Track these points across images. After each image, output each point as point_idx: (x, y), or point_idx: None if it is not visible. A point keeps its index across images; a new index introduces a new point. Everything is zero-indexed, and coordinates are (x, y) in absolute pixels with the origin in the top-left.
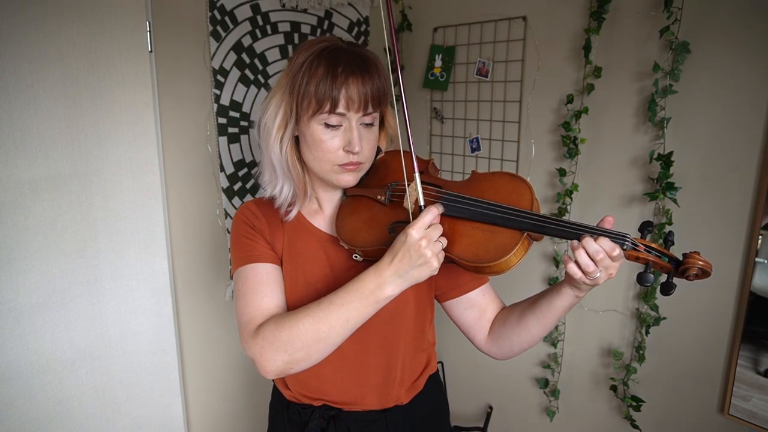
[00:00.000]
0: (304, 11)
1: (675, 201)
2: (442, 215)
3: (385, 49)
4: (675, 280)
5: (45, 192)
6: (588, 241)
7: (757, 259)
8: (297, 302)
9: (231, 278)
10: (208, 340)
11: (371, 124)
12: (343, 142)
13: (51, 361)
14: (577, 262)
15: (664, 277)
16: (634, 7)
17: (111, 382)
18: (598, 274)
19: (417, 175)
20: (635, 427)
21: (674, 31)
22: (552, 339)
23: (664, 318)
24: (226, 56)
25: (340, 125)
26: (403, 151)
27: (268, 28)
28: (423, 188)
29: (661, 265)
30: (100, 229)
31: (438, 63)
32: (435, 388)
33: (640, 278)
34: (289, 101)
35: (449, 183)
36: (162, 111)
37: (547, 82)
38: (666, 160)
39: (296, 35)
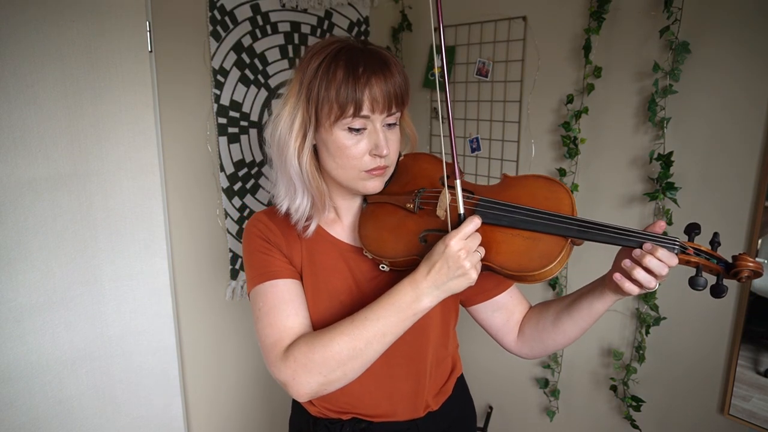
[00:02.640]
0: (304, 11)
1: (675, 201)
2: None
3: (385, 48)
4: (725, 281)
5: (45, 192)
6: (649, 258)
7: (757, 259)
8: (321, 316)
9: (248, 296)
10: (207, 340)
11: (394, 125)
12: (369, 146)
13: (51, 361)
14: (635, 280)
15: (713, 279)
16: (634, 7)
17: (111, 382)
18: (655, 284)
19: (458, 182)
20: (635, 427)
21: (674, 31)
22: None
23: (664, 318)
24: (226, 56)
25: (364, 128)
26: (444, 156)
27: (268, 28)
28: (452, 194)
29: (710, 268)
30: (100, 229)
31: (438, 63)
32: (463, 390)
33: (693, 282)
34: (307, 109)
35: (480, 188)
36: (162, 111)
37: (547, 82)
38: (666, 160)
39: (296, 35)
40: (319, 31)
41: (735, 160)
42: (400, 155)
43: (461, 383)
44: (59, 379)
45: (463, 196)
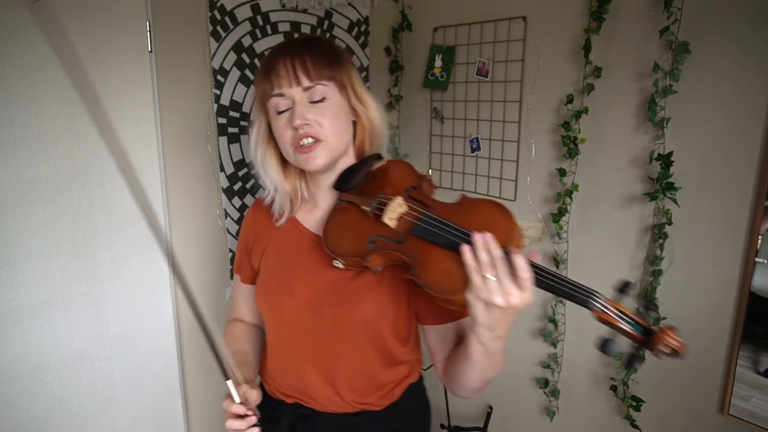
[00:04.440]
0: (304, 11)
1: (675, 201)
2: (417, 237)
3: (385, 49)
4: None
5: (45, 192)
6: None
7: (757, 259)
8: (269, 298)
9: (231, 277)
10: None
11: (321, 101)
12: (291, 121)
13: (51, 361)
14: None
15: (629, 345)
16: (634, 7)
17: (111, 382)
18: (491, 277)
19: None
20: (635, 427)
21: (674, 31)
22: (552, 339)
23: (664, 318)
24: (226, 56)
25: (289, 108)
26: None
27: (268, 28)
28: (407, 203)
29: (630, 334)
30: (100, 229)
31: (438, 63)
32: (414, 398)
33: (603, 346)
34: (257, 110)
35: (437, 204)
36: (162, 111)
37: (547, 82)
38: (666, 160)
39: (296, 35)
40: (319, 31)
41: (735, 160)
42: (382, 157)
43: (415, 391)
44: (59, 379)
45: (413, 208)
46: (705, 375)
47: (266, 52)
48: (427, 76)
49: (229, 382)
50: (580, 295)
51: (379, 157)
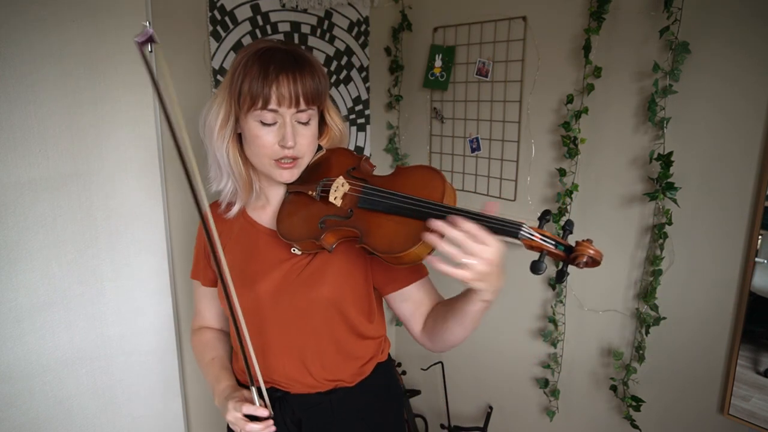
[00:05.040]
0: (304, 11)
1: (675, 201)
2: (362, 209)
3: (385, 49)
4: (569, 268)
5: (45, 192)
6: (443, 225)
7: (757, 259)
8: (237, 292)
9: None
10: None
11: (307, 123)
12: (277, 138)
13: (51, 361)
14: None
15: (559, 266)
16: (634, 7)
17: (111, 382)
18: (466, 260)
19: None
20: (635, 427)
21: (674, 31)
22: (552, 339)
23: (664, 318)
24: (226, 56)
25: (275, 122)
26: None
27: (268, 28)
28: (349, 182)
29: (555, 254)
30: (100, 229)
31: (438, 63)
32: (384, 375)
33: (533, 267)
34: (229, 100)
35: (375, 178)
36: (162, 111)
37: (547, 82)
38: (666, 160)
39: (296, 35)
40: (318, 31)
41: (735, 160)
42: (321, 148)
43: (384, 368)
44: (59, 379)
45: (354, 184)
46: (705, 375)
47: (260, 50)
48: (427, 76)
49: (254, 388)
50: (511, 228)
51: (319, 148)
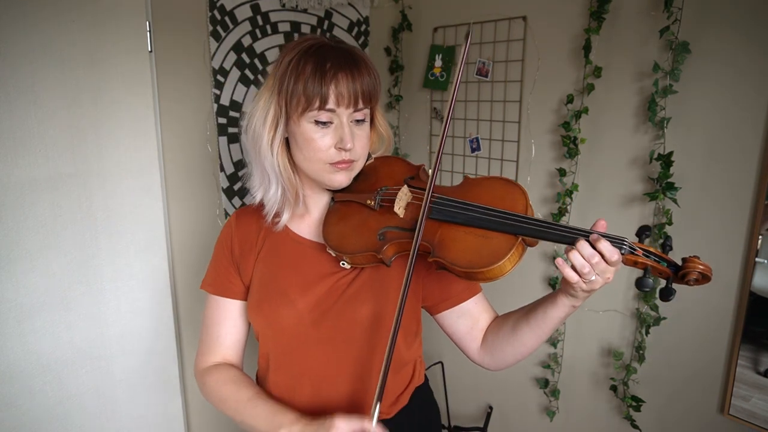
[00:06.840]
0: (304, 11)
1: (675, 201)
2: (434, 220)
3: (385, 49)
4: (674, 285)
5: (45, 192)
6: (583, 244)
7: (757, 259)
8: (267, 311)
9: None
10: None
11: (362, 121)
12: (334, 140)
13: (51, 361)
14: (573, 266)
15: (662, 283)
16: (634, 7)
17: (111, 382)
18: (593, 277)
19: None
20: (635, 427)
21: (674, 31)
22: (552, 339)
23: (664, 318)
24: (226, 56)
25: (331, 122)
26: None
27: (268, 28)
28: (413, 192)
29: (659, 270)
30: (100, 229)
31: (438, 63)
32: (423, 401)
33: (639, 283)
34: (278, 102)
35: (441, 188)
36: (162, 111)
37: (547, 82)
38: (666, 160)
39: (296, 35)
40: (319, 31)
41: (735, 160)
42: (370, 156)
43: (422, 393)
44: (59, 379)
45: (418, 194)
46: (705, 375)
47: (311, 48)
48: (427, 76)
49: (378, 405)
50: (616, 243)
51: (368, 156)
